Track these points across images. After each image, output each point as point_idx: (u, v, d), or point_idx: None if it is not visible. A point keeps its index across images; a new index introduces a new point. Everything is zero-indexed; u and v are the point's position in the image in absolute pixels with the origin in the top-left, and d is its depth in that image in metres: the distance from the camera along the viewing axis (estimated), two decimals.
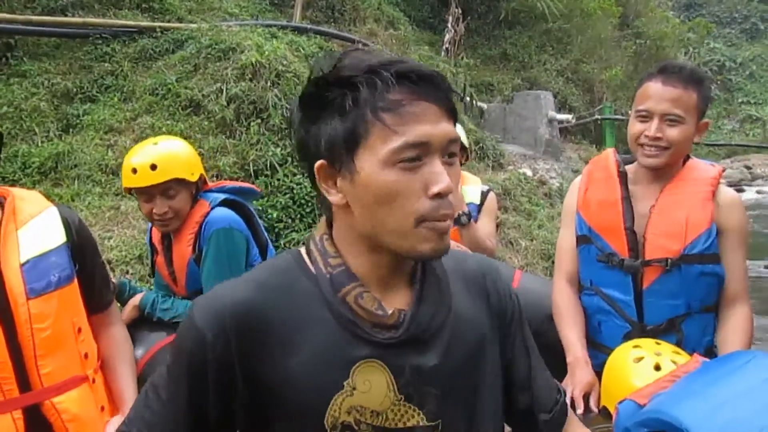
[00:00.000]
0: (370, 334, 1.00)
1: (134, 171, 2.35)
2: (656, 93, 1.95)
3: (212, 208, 2.47)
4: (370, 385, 0.98)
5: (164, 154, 2.39)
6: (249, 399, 0.99)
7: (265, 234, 2.70)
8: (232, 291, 1.02)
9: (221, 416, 1.01)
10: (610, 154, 2.18)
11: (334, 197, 1.00)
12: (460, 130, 3.06)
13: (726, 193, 2.02)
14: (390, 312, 1.00)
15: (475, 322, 1.12)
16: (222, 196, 2.54)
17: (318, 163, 0.99)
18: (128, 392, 1.88)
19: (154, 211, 2.41)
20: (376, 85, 0.93)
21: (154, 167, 2.33)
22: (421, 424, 1.01)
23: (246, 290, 1.01)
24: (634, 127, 2.00)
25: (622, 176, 2.09)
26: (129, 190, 2.45)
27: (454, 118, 1.00)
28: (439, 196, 0.94)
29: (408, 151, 0.93)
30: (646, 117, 1.97)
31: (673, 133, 1.93)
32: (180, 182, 2.41)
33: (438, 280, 1.09)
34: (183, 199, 2.44)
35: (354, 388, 0.98)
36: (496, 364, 1.15)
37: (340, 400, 0.97)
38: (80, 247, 1.80)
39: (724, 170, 2.07)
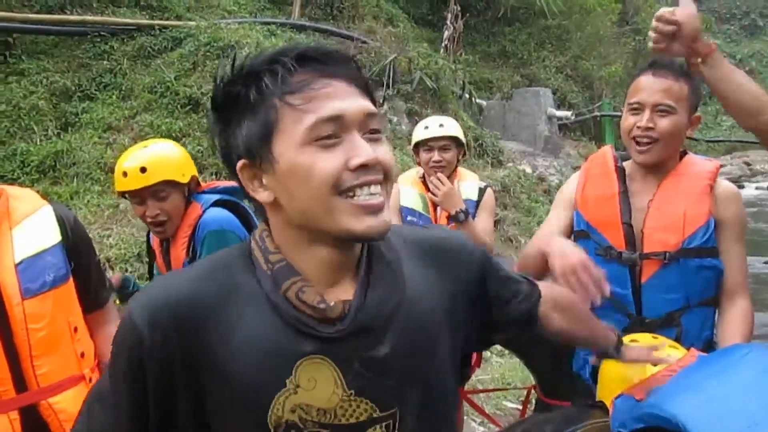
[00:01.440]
0: (315, 329, 0.95)
1: (125, 174, 2.34)
2: (647, 85, 1.96)
3: (205, 210, 2.47)
4: (315, 383, 0.95)
5: (154, 157, 2.39)
6: (191, 398, 0.95)
7: None
8: (169, 286, 0.98)
9: (163, 419, 0.97)
10: (607, 150, 2.18)
11: (262, 195, 0.97)
12: (455, 125, 3.05)
13: (724, 186, 2.01)
14: (332, 304, 0.96)
15: (433, 301, 1.08)
16: (215, 197, 2.52)
17: (239, 163, 0.97)
18: None
19: (146, 213, 2.39)
20: (278, 71, 0.92)
21: (143, 170, 2.32)
22: (374, 416, 0.98)
23: (183, 285, 0.97)
24: (627, 120, 2.00)
25: (620, 172, 2.09)
26: (122, 194, 2.44)
27: (369, 94, 0.99)
28: (364, 167, 0.92)
29: (322, 127, 0.91)
30: (637, 109, 1.97)
31: (664, 123, 1.93)
32: (171, 184, 2.39)
33: (388, 266, 1.05)
34: (175, 201, 2.42)
35: (298, 386, 0.94)
36: (455, 340, 1.12)
37: (282, 398, 0.94)
38: (75, 246, 1.79)
39: (721, 166, 2.07)
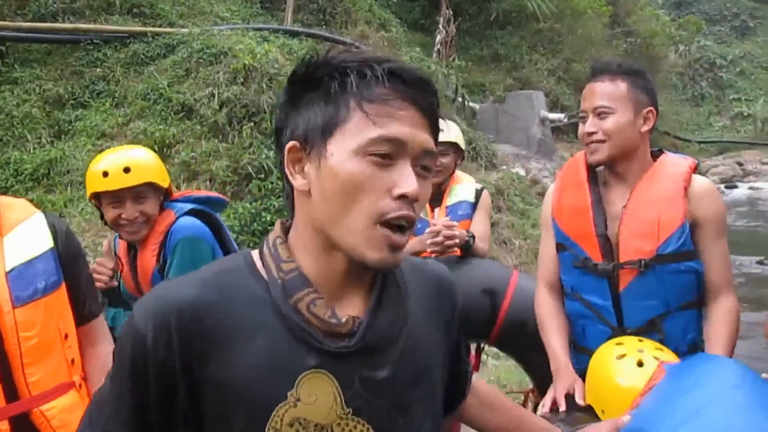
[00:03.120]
0: (321, 342, 0.95)
1: (105, 174, 2.30)
2: (587, 92, 2.04)
3: (178, 218, 2.44)
4: (316, 397, 0.94)
5: (137, 158, 2.37)
6: (189, 404, 0.94)
7: (234, 244, 2.66)
8: (173, 290, 0.97)
9: (164, 424, 0.96)
10: (579, 158, 2.18)
11: (298, 181, 0.98)
12: (456, 131, 3.06)
13: (698, 183, 2.00)
14: (344, 320, 0.96)
15: (431, 331, 1.10)
16: (188, 206, 2.50)
17: (290, 143, 0.98)
18: None
19: (122, 216, 2.35)
20: (366, 75, 0.93)
21: (127, 170, 2.30)
22: None
23: (188, 289, 0.96)
24: (579, 130, 2.06)
25: (592, 180, 2.09)
26: (95, 196, 2.38)
27: (435, 133, 1.00)
28: (403, 198, 0.92)
29: (382, 145, 0.92)
30: (584, 117, 2.04)
31: (606, 124, 1.98)
32: (151, 187, 2.38)
33: (398, 290, 1.06)
34: (152, 205, 2.40)
35: (298, 400, 0.93)
36: (444, 373, 1.13)
37: (282, 411, 0.93)
38: (67, 257, 1.77)
39: (697, 164, 2.06)
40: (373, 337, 0.98)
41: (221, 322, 0.95)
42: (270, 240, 1.03)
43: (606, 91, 1.99)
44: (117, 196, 2.34)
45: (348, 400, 0.95)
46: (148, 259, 2.44)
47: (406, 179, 0.93)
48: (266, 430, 0.93)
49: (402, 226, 0.94)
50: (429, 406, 1.07)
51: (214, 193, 2.91)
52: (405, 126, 0.94)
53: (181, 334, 0.93)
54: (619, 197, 2.03)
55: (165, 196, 2.49)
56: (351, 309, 1.00)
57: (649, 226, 1.95)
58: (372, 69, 0.93)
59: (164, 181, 2.43)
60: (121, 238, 2.54)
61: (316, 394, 0.94)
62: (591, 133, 1.99)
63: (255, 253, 1.04)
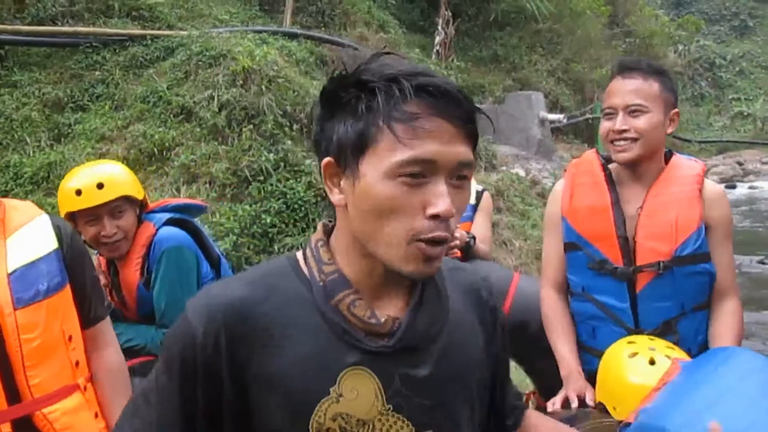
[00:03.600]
0: (362, 341, 0.99)
1: (78, 193, 2.25)
2: (617, 89, 1.98)
3: (158, 229, 2.41)
4: (357, 393, 0.97)
5: (109, 173, 2.34)
6: (235, 400, 0.98)
7: (216, 249, 2.65)
8: (223, 289, 1.01)
9: (210, 420, 0.99)
10: (592, 156, 2.15)
11: (335, 197, 1.00)
12: None
13: (711, 188, 2.01)
14: (383, 320, 1.00)
15: (472, 331, 1.12)
16: (166, 216, 2.48)
17: (326, 160, 0.99)
18: None
19: (102, 233, 2.32)
20: (393, 95, 0.92)
21: (101, 186, 2.26)
22: None
23: (237, 289, 1.01)
24: (603, 126, 2.01)
25: (609, 179, 2.07)
26: (71, 216, 2.31)
27: (473, 140, 0.98)
28: (437, 217, 0.93)
29: (412, 166, 0.92)
30: (612, 114, 1.98)
31: (639, 123, 1.93)
32: (127, 200, 2.35)
33: (437, 290, 1.08)
34: (130, 218, 2.37)
35: (340, 395, 0.97)
36: (486, 375, 1.15)
37: (325, 406, 0.96)
38: (72, 258, 1.76)
39: (707, 167, 2.06)
40: (412, 336, 1.01)
41: (266, 321, 0.99)
42: (312, 242, 1.07)
43: (641, 89, 1.94)
44: (93, 214, 2.30)
45: (389, 397, 0.99)
46: (132, 273, 2.41)
47: (438, 198, 0.93)
48: (310, 423, 0.96)
49: (437, 242, 0.94)
50: (468, 403, 1.09)
51: (190, 200, 2.89)
52: (436, 143, 0.92)
53: (228, 332, 0.97)
54: (634, 197, 2.01)
55: (141, 209, 2.45)
56: (391, 309, 1.03)
57: (666, 227, 1.94)
58: (399, 85, 0.92)
59: (139, 193, 2.40)
60: (101, 255, 2.50)
61: (358, 390, 0.97)
62: (622, 131, 1.94)
63: (299, 255, 1.08)
